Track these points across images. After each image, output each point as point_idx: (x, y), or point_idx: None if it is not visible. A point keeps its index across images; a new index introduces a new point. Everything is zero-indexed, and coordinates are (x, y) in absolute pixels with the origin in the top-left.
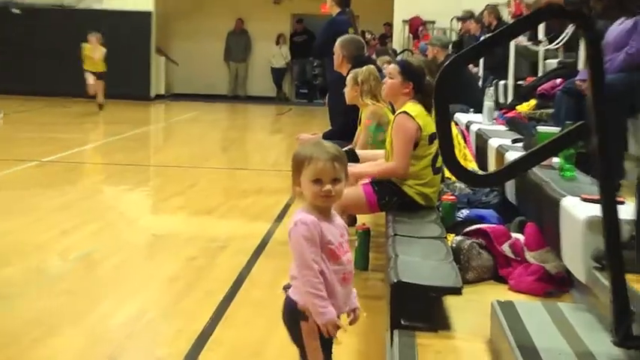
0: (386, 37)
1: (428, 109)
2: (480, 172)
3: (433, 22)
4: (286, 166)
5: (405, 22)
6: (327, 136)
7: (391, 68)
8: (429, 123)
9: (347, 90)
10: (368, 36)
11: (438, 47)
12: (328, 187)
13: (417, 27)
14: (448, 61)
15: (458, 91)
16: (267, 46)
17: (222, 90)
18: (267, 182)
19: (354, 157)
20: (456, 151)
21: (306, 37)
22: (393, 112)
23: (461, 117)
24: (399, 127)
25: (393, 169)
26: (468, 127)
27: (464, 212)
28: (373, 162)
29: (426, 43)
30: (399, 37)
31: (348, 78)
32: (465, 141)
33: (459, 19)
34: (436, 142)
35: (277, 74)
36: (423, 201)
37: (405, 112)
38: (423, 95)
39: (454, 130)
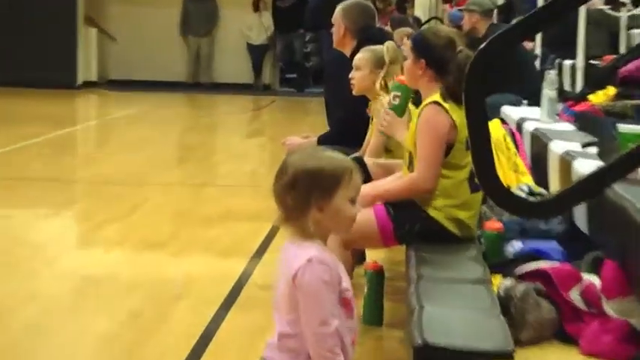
0: (405, 1)
1: (457, 101)
2: (532, 198)
3: None
4: (267, 180)
5: None
6: (324, 141)
7: (408, 44)
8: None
9: (359, 75)
10: (379, 4)
11: (477, 14)
12: (359, 208)
13: None
14: (490, 39)
15: (505, 75)
16: (240, 14)
17: (178, 75)
18: (240, 204)
19: (362, 170)
20: (503, 160)
21: (295, 1)
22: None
23: (510, 112)
24: (426, 123)
25: (414, 183)
26: (520, 125)
27: (515, 245)
28: (390, 177)
29: (461, 8)
30: (424, 1)
31: (363, 57)
32: (517, 145)
33: None
34: None
35: (255, 53)
36: (457, 230)
37: (435, 103)
38: (452, 80)
39: (500, 130)
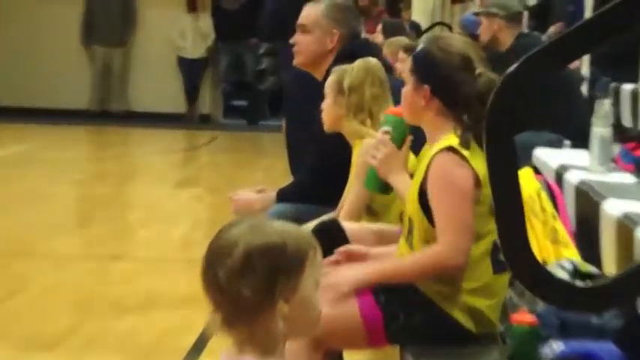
0: (398, 1)
1: (478, 144)
2: (579, 282)
3: None
4: (203, 249)
5: None
6: (285, 196)
7: (406, 62)
8: None
9: (326, 105)
10: (364, 1)
11: (500, 20)
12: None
13: None
14: (523, 60)
15: (539, 104)
16: (168, 16)
17: (78, 101)
18: (166, 284)
19: (339, 237)
20: (537, 226)
21: (244, 2)
22: (419, 147)
23: (547, 156)
24: (444, 177)
25: (440, 259)
26: (560, 176)
27: (555, 347)
28: (381, 249)
29: (478, 12)
30: (425, 0)
31: (329, 82)
32: (556, 205)
33: None
34: None
35: (190, 70)
36: (473, 324)
37: (449, 150)
38: (469, 115)
39: (533, 183)
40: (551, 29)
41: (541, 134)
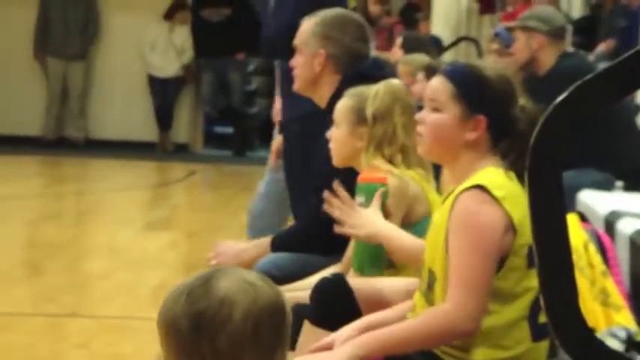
0: (414, 10)
1: (522, 180)
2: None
3: None
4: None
5: None
6: (281, 245)
7: (436, 84)
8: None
9: (337, 135)
10: (375, 9)
11: (541, 35)
12: None
13: None
14: (573, 89)
15: (586, 138)
16: (137, 24)
17: (30, 127)
18: (130, 349)
19: (345, 296)
20: (584, 284)
21: (229, 13)
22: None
23: (595, 200)
24: (465, 219)
25: (449, 321)
26: (611, 224)
27: None
28: (387, 311)
29: (510, 25)
30: (447, 10)
31: (342, 108)
32: (606, 260)
33: None
34: None
35: (163, 91)
36: None
37: (479, 188)
38: (510, 149)
39: (578, 233)
40: (601, 47)
41: (587, 173)
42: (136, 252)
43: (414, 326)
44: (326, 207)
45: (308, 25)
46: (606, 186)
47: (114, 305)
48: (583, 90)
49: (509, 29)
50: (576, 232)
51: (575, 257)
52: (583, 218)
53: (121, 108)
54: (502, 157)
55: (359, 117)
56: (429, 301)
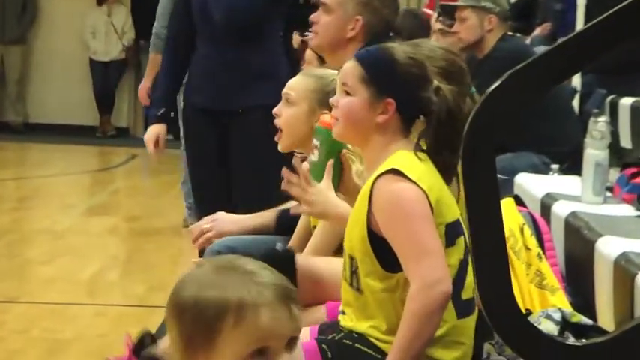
0: None
1: (442, 166)
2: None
3: None
4: (121, 292)
5: None
6: (287, 221)
7: (348, 67)
8: (446, 196)
9: (294, 114)
10: None
11: (494, 15)
12: None
13: None
14: (507, 75)
15: (522, 121)
16: (78, 7)
17: None
18: (71, 335)
19: (288, 272)
20: (519, 267)
21: None
22: None
23: (531, 183)
24: (393, 201)
25: (427, 295)
26: (547, 208)
27: None
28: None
29: (461, 4)
30: None
31: (302, 86)
32: (541, 242)
33: None
34: (461, 242)
35: (103, 75)
36: None
37: (393, 172)
38: (425, 131)
39: (514, 216)
40: (537, 31)
41: (523, 157)
42: (76, 237)
43: (405, 326)
44: (284, 185)
45: None
46: (542, 169)
47: (53, 291)
48: (518, 77)
49: (456, 8)
50: (512, 216)
51: (511, 241)
52: (520, 201)
53: (60, 92)
54: (417, 138)
55: (322, 99)
56: (356, 288)
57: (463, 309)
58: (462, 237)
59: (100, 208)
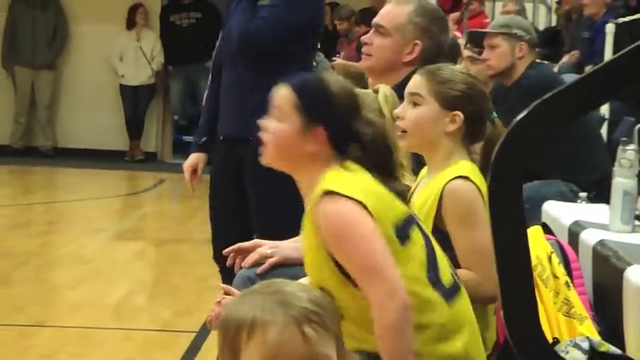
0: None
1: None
2: None
3: None
4: (149, 316)
5: None
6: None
7: (283, 93)
8: (384, 198)
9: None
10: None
11: (525, 43)
12: None
13: None
14: (536, 105)
15: (550, 149)
16: (105, 33)
17: None
18: None
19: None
20: (547, 296)
21: (199, 16)
22: None
23: (559, 211)
24: (335, 224)
25: (389, 310)
26: (575, 235)
27: None
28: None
29: (489, 30)
30: None
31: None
32: (569, 271)
33: None
34: (416, 232)
35: (133, 100)
36: None
37: (327, 194)
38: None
39: (541, 245)
40: (565, 58)
41: (551, 184)
42: (103, 262)
43: (384, 344)
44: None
45: (402, 10)
46: (570, 197)
47: (81, 316)
48: (548, 105)
49: (480, 34)
50: (540, 244)
51: (539, 269)
52: (547, 229)
53: (89, 117)
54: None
55: None
56: None
57: (448, 292)
58: (416, 228)
59: (127, 232)
